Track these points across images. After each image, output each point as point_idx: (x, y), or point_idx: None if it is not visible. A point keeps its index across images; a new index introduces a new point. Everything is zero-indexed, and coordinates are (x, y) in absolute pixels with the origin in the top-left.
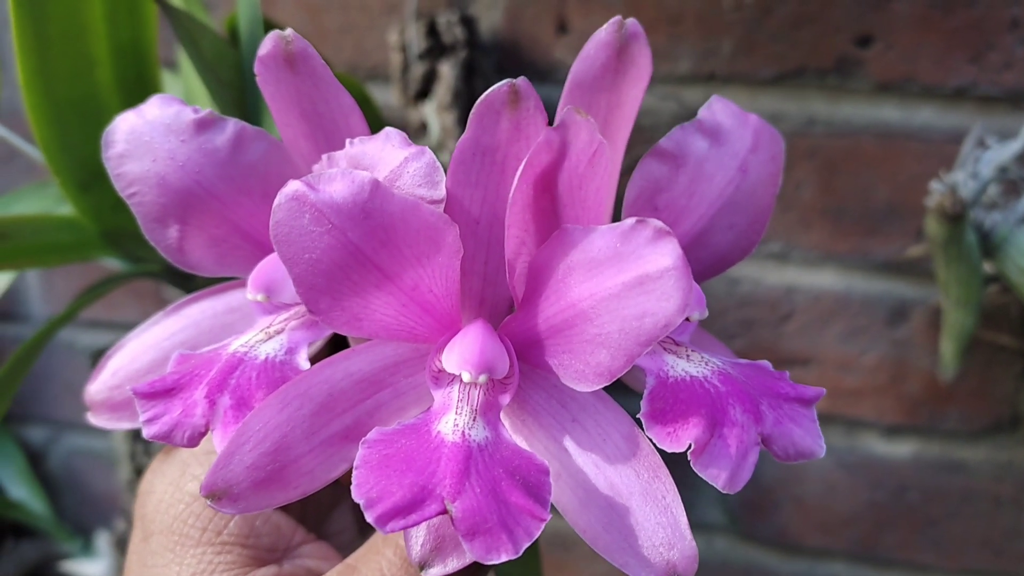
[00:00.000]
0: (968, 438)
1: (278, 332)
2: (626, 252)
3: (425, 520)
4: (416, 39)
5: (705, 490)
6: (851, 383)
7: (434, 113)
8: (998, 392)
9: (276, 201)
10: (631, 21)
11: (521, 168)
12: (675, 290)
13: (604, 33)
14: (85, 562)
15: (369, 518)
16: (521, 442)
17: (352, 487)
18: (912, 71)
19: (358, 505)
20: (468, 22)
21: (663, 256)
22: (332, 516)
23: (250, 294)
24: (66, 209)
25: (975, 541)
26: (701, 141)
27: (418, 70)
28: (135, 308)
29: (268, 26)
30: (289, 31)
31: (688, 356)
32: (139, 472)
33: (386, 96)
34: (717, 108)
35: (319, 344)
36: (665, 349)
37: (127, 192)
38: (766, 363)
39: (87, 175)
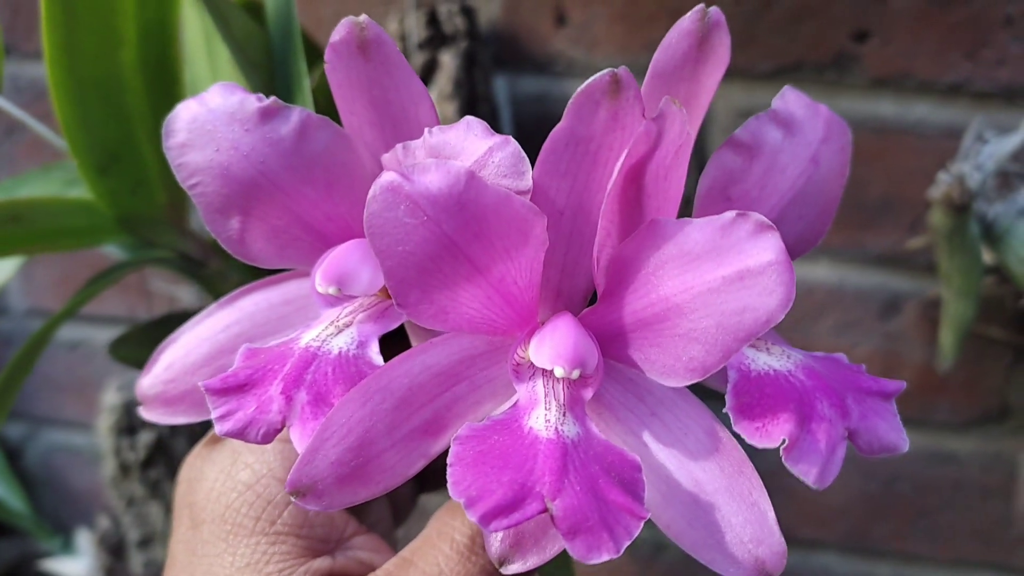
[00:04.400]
0: (958, 429)
1: (347, 325)
2: (726, 246)
3: (527, 519)
4: (416, 28)
5: None
6: None
7: (434, 103)
8: (988, 384)
9: (371, 192)
10: (714, 9)
11: (623, 160)
12: (778, 285)
13: (687, 22)
14: (65, 560)
15: (472, 517)
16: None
17: (449, 484)
18: (908, 66)
19: (394, 497)
20: (468, 12)
21: (765, 250)
22: (370, 508)
23: (320, 287)
24: (76, 192)
25: (965, 531)
26: (775, 131)
27: (418, 60)
28: (119, 302)
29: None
30: (363, 17)
31: (768, 350)
32: (124, 468)
33: None
34: (791, 98)
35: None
36: None
37: (189, 182)
38: (842, 356)
39: (106, 157)
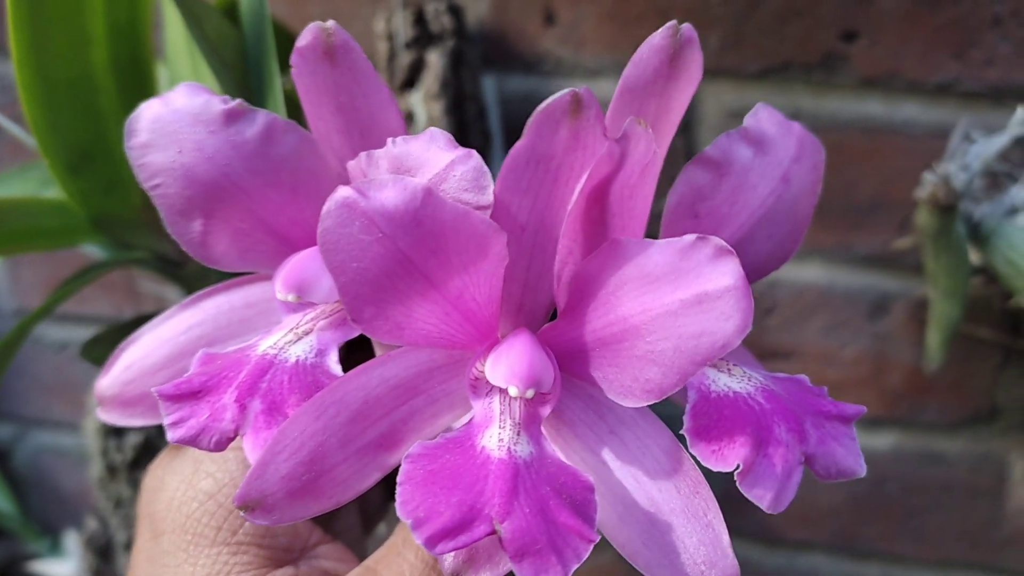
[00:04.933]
0: (947, 430)
1: (307, 332)
2: (685, 269)
3: (475, 541)
4: (403, 28)
5: None
6: (833, 376)
7: (421, 103)
8: (976, 384)
9: (325, 207)
10: (686, 26)
11: (586, 179)
12: (735, 310)
13: (658, 38)
14: (53, 562)
15: (418, 539)
16: (558, 455)
17: (397, 504)
18: (897, 67)
19: (364, 504)
20: (456, 11)
21: (724, 275)
22: (338, 515)
23: (280, 293)
24: (51, 192)
25: (953, 532)
26: (746, 150)
27: (405, 59)
28: (106, 302)
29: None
30: (331, 22)
31: (730, 371)
32: (111, 469)
33: None
34: (763, 116)
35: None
36: None
37: (150, 183)
38: (804, 378)
39: (77, 157)
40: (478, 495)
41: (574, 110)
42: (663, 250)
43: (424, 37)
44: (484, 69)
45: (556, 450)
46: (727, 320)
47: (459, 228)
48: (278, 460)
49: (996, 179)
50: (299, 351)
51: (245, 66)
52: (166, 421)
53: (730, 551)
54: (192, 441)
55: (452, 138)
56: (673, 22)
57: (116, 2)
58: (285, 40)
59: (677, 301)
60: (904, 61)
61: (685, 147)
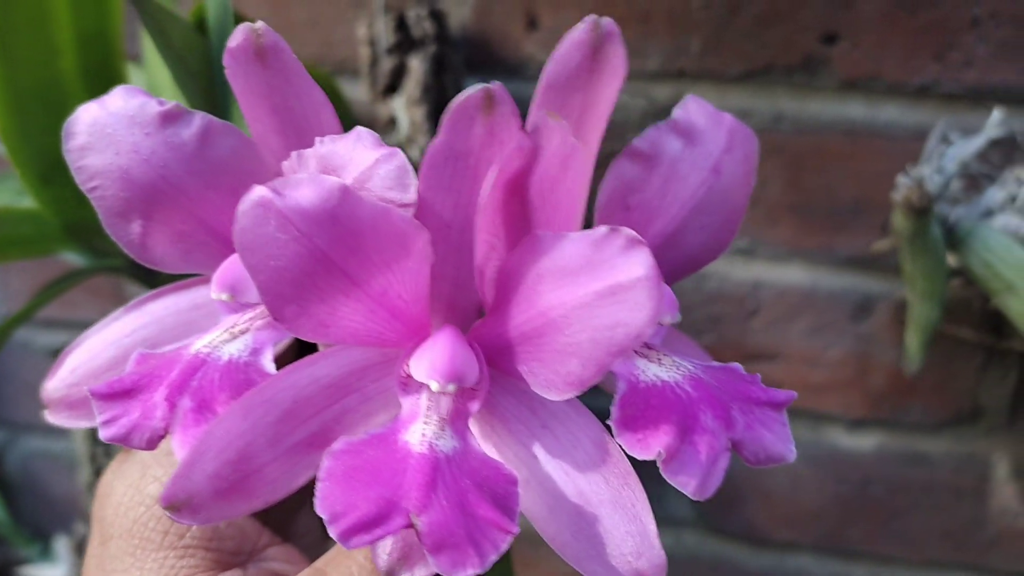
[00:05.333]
0: (930, 431)
1: (243, 332)
2: (598, 261)
3: (390, 535)
4: (385, 33)
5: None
6: (817, 378)
7: (403, 108)
8: (959, 385)
9: (240, 207)
10: (607, 20)
11: (494, 175)
12: (647, 300)
13: (579, 32)
14: (44, 567)
15: (332, 533)
16: (490, 449)
17: (316, 500)
18: (877, 69)
19: None
20: (438, 16)
21: (636, 265)
22: (297, 518)
23: (214, 293)
24: (26, 202)
25: (937, 533)
26: (675, 141)
27: (387, 64)
28: (93, 307)
29: (236, 18)
30: (260, 24)
31: (660, 360)
32: (100, 474)
33: (354, 90)
34: (692, 108)
35: (284, 344)
36: (637, 353)
37: (88, 185)
38: (737, 365)
39: (48, 167)
40: (396, 489)
41: (487, 106)
42: (577, 243)
43: (406, 42)
44: (467, 74)
45: (488, 445)
46: (639, 310)
47: (378, 226)
48: (204, 460)
49: (976, 181)
50: (233, 350)
51: (211, 74)
52: (99, 420)
53: (657, 541)
54: (124, 439)
55: (378, 137)
56: (593, 16)
57: (83, 12)
58: None
59: (592, 293)
60: (884, 63)
61: None
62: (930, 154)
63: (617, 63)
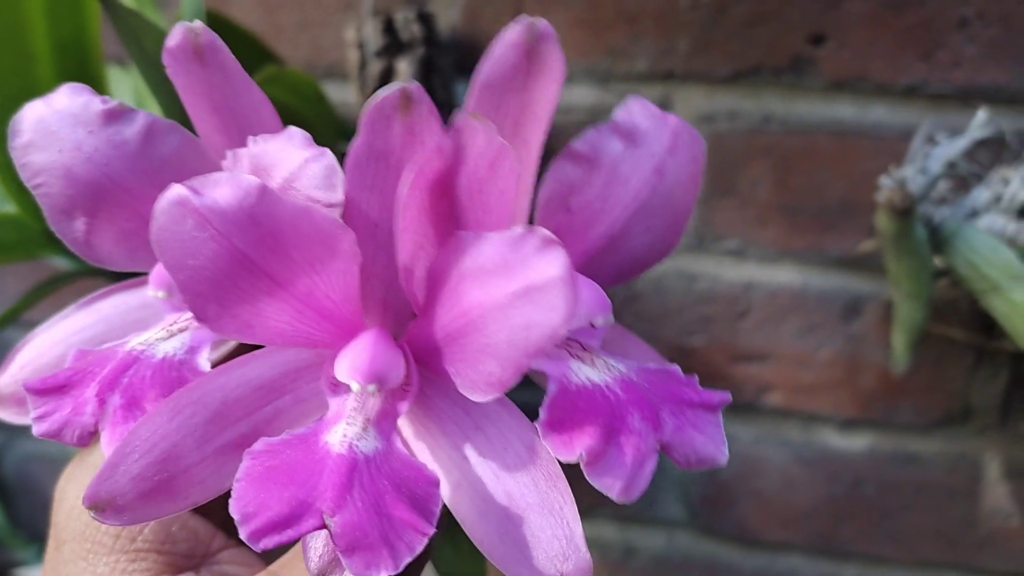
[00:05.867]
0: (921, 431)
1: (182, 330)
2: (514, 261)
3: (301, 535)
4: (373, 36)
5: (666, 486)
6: (808, 378)
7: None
8: (950, 385)
9: (157, 206)
10: (541, 21)
11: (411, 175)
12: (560, 300)
13: (513, 33)
14: (41, 569)
15: (243, 535)
16: (424, 450)
17: (231, 501)
18: (865, 69)
19: None
20: (426, 19)
21: (550, 266)
22: None
23: (151, 291)
24: (9, 207)
25: (929, 533)
26: (616, 143)
27: (375, 67)
28: None
29: (219, 22)
30: (198, 23)
31: (593, 362)
32: None
33: (344, 94)
34: (634, 109)
35: (232, 344)
36: (571, 355)
37: (33, 182)
38: (675, 368)
39: None
40: (311, 490)
41: (404, 105)
42: (494, 243)
43: (394, 45)
44: (457, 76)
45: (422, 447)
46: (553, 311)
47: (299, 226)
48: (129, 460)
49: (964, 181)
50: (168, 348)
51: None
52: (33, 415)
53: (583, 544)
54: (56, 435)
55: (309, 136)
56: (526, 17)
57: (59, 20)
58: (257, 52)
59: (507, 294)
60: (872, 63)
61: None
62: (914, 155)
63: (554, 64)
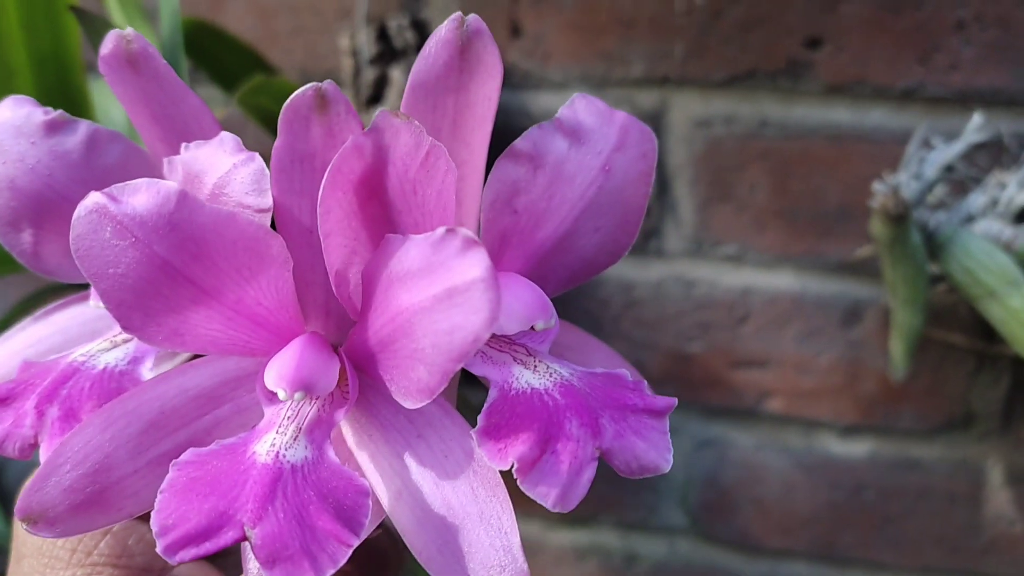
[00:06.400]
0: (922, 436)
1: (126, 340)
2: (436, 263)
3: (219, 548)
4: (367, 44)
5: (667, 493)
6: (808, 384)
7: None
8: (951, 390)
9: (75, 214)
10: (473, 17)
11: (326, 176)
12: (483, 302)
13: (444, 31)
14: None
15: (159, 548)
16: (366, 458)
17: (152, 514)
18: (862, 73)
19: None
20: (420, 26)
21: (472, 267)
22: None
23: (93, 302)
24: None
25: (931, 539)
26: (560, 141)
27: (369, 75)
28: None
29: (209, 30)
30: (130, 30)
31: (535, 367)
32: None
33: None
34: (579, 106)
35: (185, 355)
36: (515, 359)
37: None
38: (623, 372)
39: None
40: (232, 501)
41: (320, 105)
42: (419, 245)
43: (387, 53)
44: None
45: (364, 455)
46: (476, 314)
47: (223, 231)
48: (60, 472)
49: (963, 185)
50: (110, 358)
51: None
52: None
53: (520, 555)
54: None
55: (240, 142)
56: (458, 12)
57: (38, 33)
58: (250, 60)
59: (431, 297)
60: (869, 67)
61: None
62: (909, 159)
63: (489, 61)
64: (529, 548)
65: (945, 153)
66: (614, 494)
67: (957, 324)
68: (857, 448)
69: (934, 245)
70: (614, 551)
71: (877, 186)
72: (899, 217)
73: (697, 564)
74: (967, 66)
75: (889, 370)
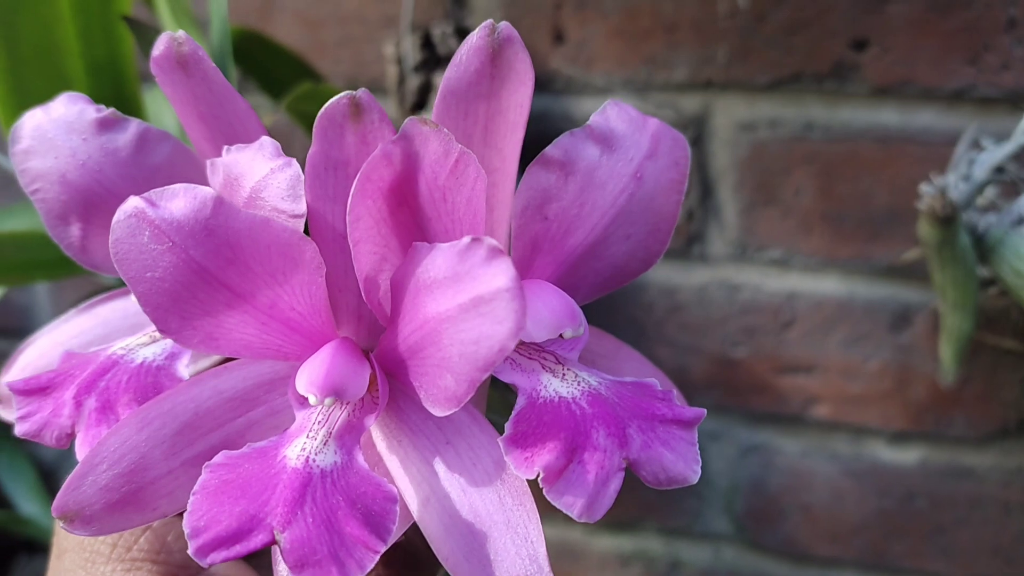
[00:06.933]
0: (975, 444)
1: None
2: (462, 272)
3: (249, 551)
4: (411, 51)
5: (711, 498)
6: (856, 390)
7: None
8: (1004, 397)
9: (115, 217)
10: (504, 24)
11: (356, 184)
12: (508, 312)
13: (475, 38)
14: None
15: (191, 550)
16: (395, 463)
17: (185, 515)
18: (910, 74)
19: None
20: (464, 33)
21: (497, 276)
22: None
23: (134, 296)
24: None
25: (985, 548)
26: (592, 148)
27: (413, 82)
28: None
29: (257, 40)
30: (181, 32)
31: (563, 375)
32: None
33: (385, 108)
34: (611, 113)
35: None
36: (544, 367)
37: (30, 188)
38: (653, 382)
39: None
40: (263, 504)
41: (354, 113)
42: (445, 254)
43: (432, 60)
44: None
45: (394, 460)
46: (501, 323)
47: (257, 237)
48: (97, 471)
49: (1015, 187)
50: (148, 353)
51: None
52: (17, 415)
53: (546, 564)
54: (36, 436)
55: (279, 147)
56: (489, 20)
57: (94, 42)
58: (297, 69)
59: (457, 306)
60: (917, 68)
61: (696, 161)
62: (958, 161)
63: (520, 68)
64: (572, 553)
65: (995, 154)
66: (657, 499)
67: (1010, 328)
68: (907, 455)
69: (984, 248)
70: (658, 557)
71: (924, 188)
72: (946, 219)
73: (743, 571)
74: (1019, 65)
75: (939, 375)
